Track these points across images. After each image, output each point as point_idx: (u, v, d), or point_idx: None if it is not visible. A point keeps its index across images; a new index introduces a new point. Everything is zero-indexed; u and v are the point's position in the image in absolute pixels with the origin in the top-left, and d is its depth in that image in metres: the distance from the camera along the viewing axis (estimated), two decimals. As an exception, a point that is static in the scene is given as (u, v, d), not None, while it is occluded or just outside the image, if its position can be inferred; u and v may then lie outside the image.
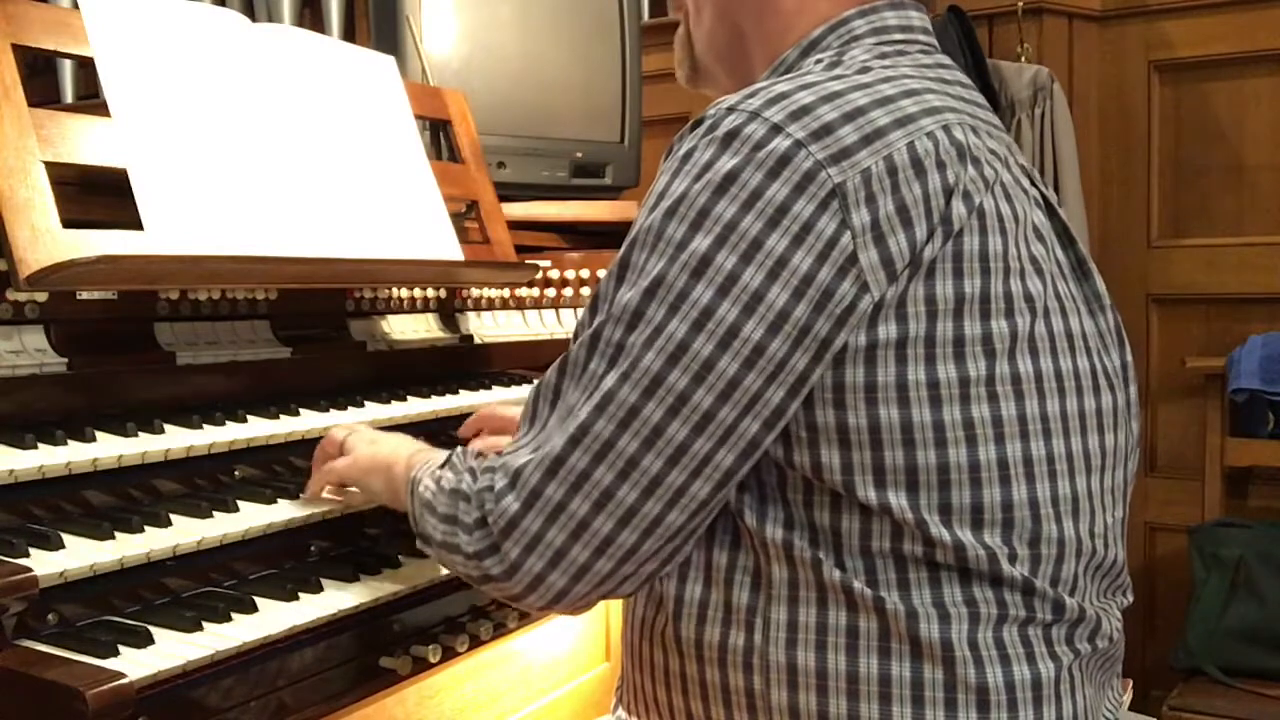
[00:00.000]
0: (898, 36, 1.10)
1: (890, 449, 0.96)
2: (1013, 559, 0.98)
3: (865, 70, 1.03)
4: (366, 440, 1.33)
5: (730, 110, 0.99)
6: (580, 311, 2.09)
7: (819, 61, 1.08)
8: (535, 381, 1.10)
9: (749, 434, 0.97)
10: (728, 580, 1.02)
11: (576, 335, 1.05)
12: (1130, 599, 1.13)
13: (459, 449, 1.16)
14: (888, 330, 0.95)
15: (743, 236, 0.94)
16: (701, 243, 0.96)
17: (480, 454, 1.13)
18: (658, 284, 0.97)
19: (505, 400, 1.74)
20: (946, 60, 1.12)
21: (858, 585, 0.97)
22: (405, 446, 1.30)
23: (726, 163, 0.96)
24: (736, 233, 0.95)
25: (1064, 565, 1.01)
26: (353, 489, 1.36)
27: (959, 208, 0.97)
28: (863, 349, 0.95)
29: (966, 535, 0.96)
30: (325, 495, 1.35)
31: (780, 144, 0.95)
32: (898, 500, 0.96)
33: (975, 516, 0.97)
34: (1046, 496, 1.00)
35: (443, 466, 1.14)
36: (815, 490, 0.98)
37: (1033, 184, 1.10)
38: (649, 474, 0.97)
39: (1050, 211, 1.11)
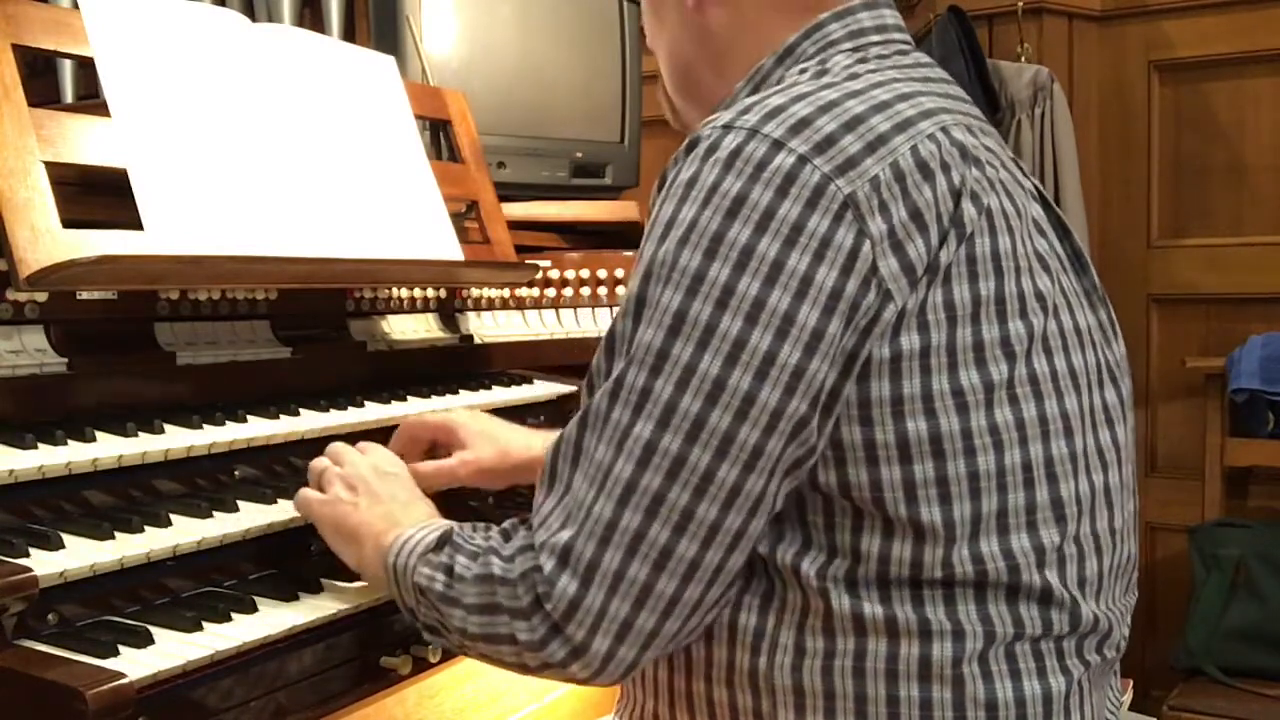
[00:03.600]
0: (875, 38, 1.08)
1: (920, 462, 0.94)
2: (1037, 565, 0.97)
3: (854, 77, 1.02)
4: (345, 486, 1.23)
5: (726, 129, 0.97)
6: (579, 312, 2.10)
7: (803, 70, 1.06)
8: (553, 431, 1.03)
9: (792, 459, 0.94)
10: (735, 604, 1.00)
11: (590, 383, 1.01)
12: (1136, 595, 1.13)
13: (455, 527, 1.08)
14: (910, 341, 0.93)
15: (762, 259, 0.92)
16: (720, 271, 0.92)
17: (486, 526, 1.07)
18: (680, 320, 0.93)
19: (475, 405, 1.74)
20: (925, 58, 1.11)
21: (868, 608, 0.95)
22: (380, 514, 1.18)
23: (733, 185, 0.94)
24: (755, 256, 0.92)
25: (1087, 564, 1.00)
26: None
27: (969, 209, 0.96)
28: (887, 361, 0.93)
29: (992, 545, 0.95)
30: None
31: (784, 160, 0.93)
32: (930, 514, 0.94)
33: (1000, 522, 0.96)
34: (1071, 495, 0.99)
35: (439, 549, 1.06)
36: (836, 511, 0.97)
37: (1025, 176, 1.10)
38: (706, 523, 0.93)
39: (1045, 204, 1.10)
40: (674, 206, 0.97)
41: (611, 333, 1.00)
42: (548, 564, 0.96)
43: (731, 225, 0.93)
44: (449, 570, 1.03)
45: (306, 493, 1.27)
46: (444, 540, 1.07)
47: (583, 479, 0.97)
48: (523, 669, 1.01)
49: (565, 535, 0.96)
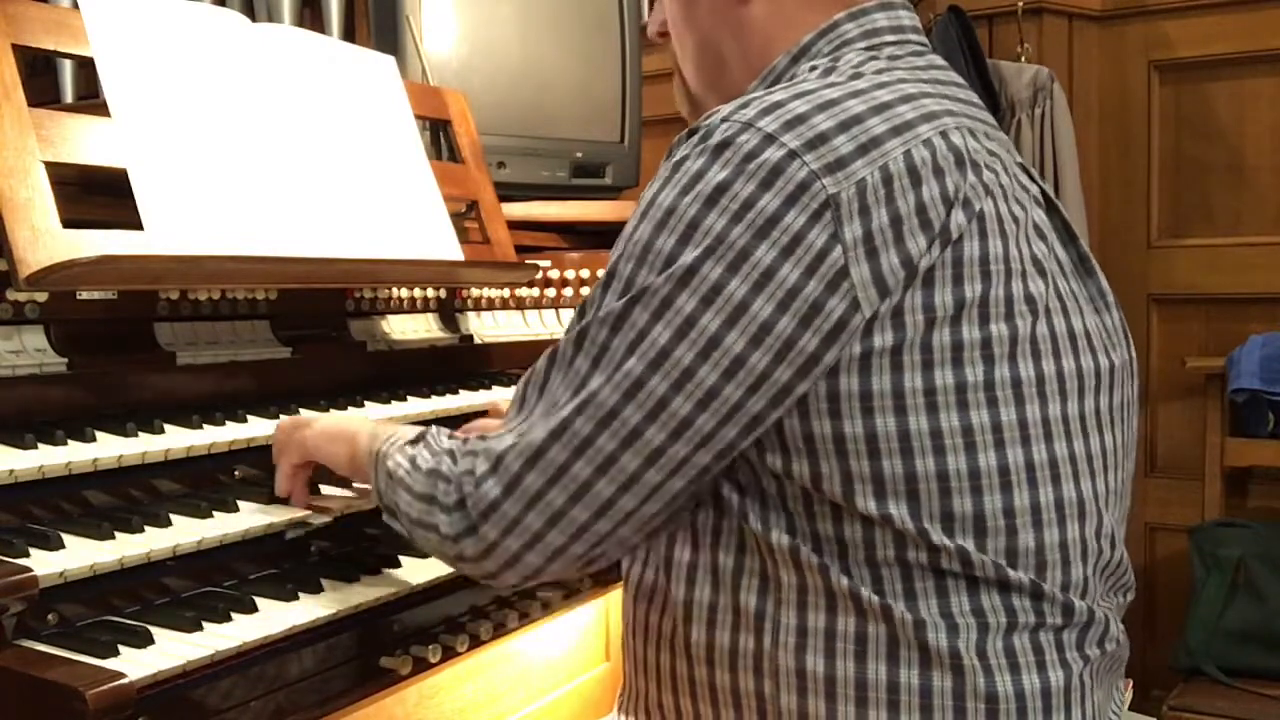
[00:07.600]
0: (890, 38, 1.09)
1: (888, 458, 0.94)
2: (1018, 566, 0.97)
3: (858, 75, 1.02)
4: (320, 417, 1.36)
5: (724, 120, 0.98)
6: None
7: (813, 69, 1.07)
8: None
9: (727, 439, 0.97)
10: (734, 584, 1.01)
11: (569, 331, 1.06)
12: (1132, 596, 1.12)
13: (433, 428, 1.17)
14: (883, 339, 0.93)
15: (730, 248, 0.94)
16: (689, 255, 0.95)
17: (455, 435, 1.14)
18: (643, 291, 0.97)
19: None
20: (939, 60, 1.11)
21: (865, 592, 0.96)
22: (367, 420, 1.32)
23: (717, 174, 0.95)
24: (725, 244, 0.94)
25: (1071, 569, 1.00)
26: (328, 494, 1.36)
27: (959, 216, 0.95)
28: (857, 358, 0.94)
29: (970, 543, 0.96)
30: (304, 500, 1.33)
31: (773, 154, 0.94)
32: (898, 510, 0.95)
33: (978, 525, 0.96)
34: (1050, 501, 0.98)
35: (414, 443, 1.15)
36: (815, 501, 0.98)
37: (1031, 180, 1.10)
38: (626, 471, 0.99)
39: (1050, 208, 1.10)
40: (658, 188, 1.00)
41: (589, 295, 1.05)
42: (481, 467, 1.04)
43: (709, 214, 0.95)
44: (413, 460, 1.13)
45: (292, 418, 1.36)
46: (420, 436, 1.16)
47: (542, 407, 1.05)
48: (443, 556, 1.11)
49: (504, 445, 1.04)
